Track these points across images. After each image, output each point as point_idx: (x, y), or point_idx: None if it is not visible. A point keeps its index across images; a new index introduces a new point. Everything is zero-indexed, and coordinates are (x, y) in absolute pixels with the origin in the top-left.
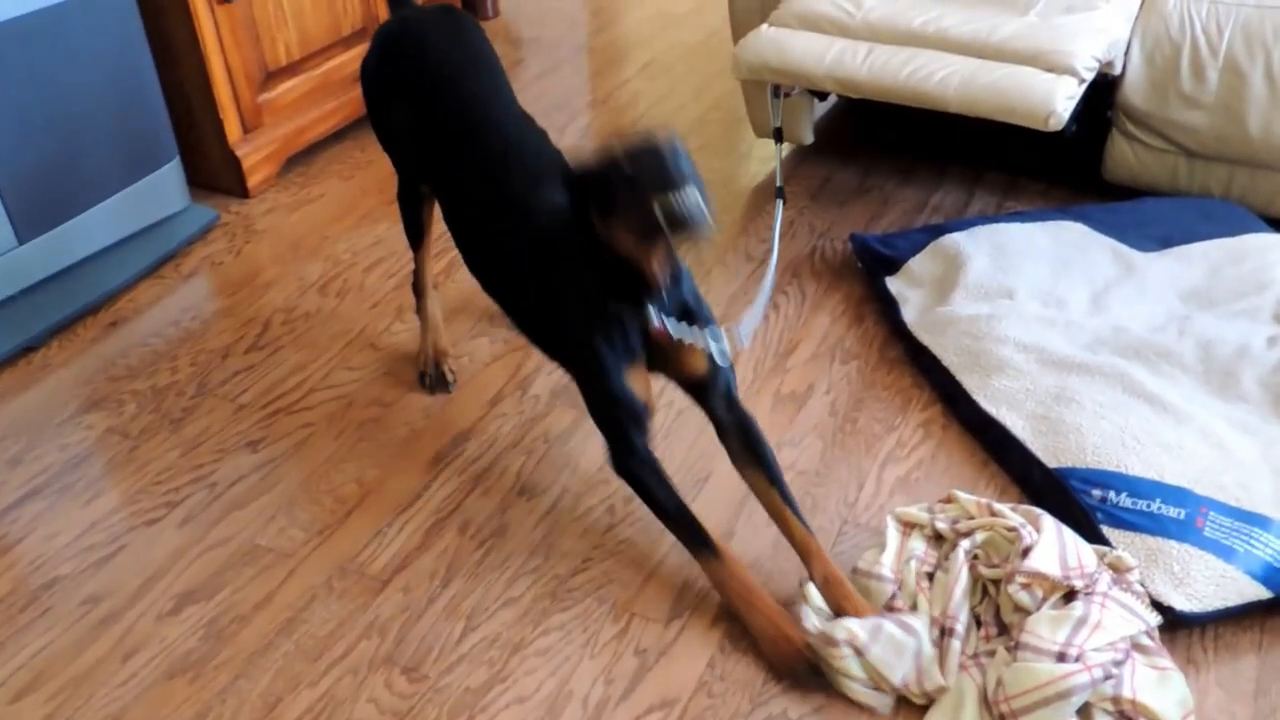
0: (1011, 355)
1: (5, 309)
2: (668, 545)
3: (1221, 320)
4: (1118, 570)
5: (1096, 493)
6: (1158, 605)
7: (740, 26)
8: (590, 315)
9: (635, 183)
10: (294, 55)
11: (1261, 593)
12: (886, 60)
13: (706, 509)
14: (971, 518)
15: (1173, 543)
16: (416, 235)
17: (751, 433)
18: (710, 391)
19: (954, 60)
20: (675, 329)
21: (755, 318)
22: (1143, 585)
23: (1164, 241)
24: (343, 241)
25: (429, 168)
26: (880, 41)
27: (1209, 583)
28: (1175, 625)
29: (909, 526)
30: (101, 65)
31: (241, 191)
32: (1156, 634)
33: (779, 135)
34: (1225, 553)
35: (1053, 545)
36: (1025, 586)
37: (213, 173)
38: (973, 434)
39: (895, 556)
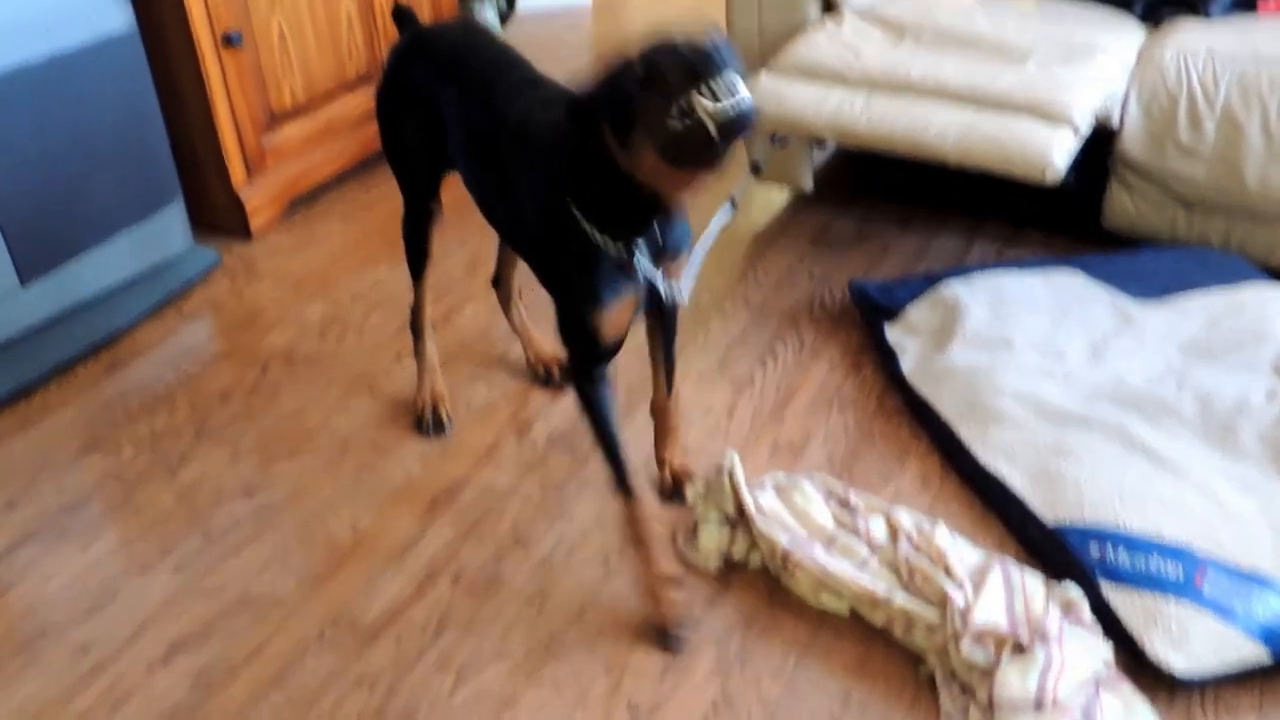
0: (1009, 407)
1: (5, 350)
2: None
3: (1220, 373)
4: (1067, 609)
5: (1094, 549)
6: (1155, 669)
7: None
8: (583, 254)
9: (659, 83)
10: (299, 99)
11: (1262, 655)
12: (884, 111)
13: None
14: (918, 549)
15: (1171, 602)
16: (419, 262)
17: (672, 320)
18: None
19: (952, 111)
20: (644, 269)
21: (690, 279)
22: (1093, 618)
23: (1163, 291)
24: (344, 284)
25: (454, 145)
26: (879, 91)
27: (1208, 643)
28: (1175, 686)
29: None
30: (108, 109)
31: (244, 233)
32: (1113, 661)
33: (756, 167)
34: (1225, 613)
35: (999, 596)
36: (979, 640)
37: (216, 214)
38: (971, 486)
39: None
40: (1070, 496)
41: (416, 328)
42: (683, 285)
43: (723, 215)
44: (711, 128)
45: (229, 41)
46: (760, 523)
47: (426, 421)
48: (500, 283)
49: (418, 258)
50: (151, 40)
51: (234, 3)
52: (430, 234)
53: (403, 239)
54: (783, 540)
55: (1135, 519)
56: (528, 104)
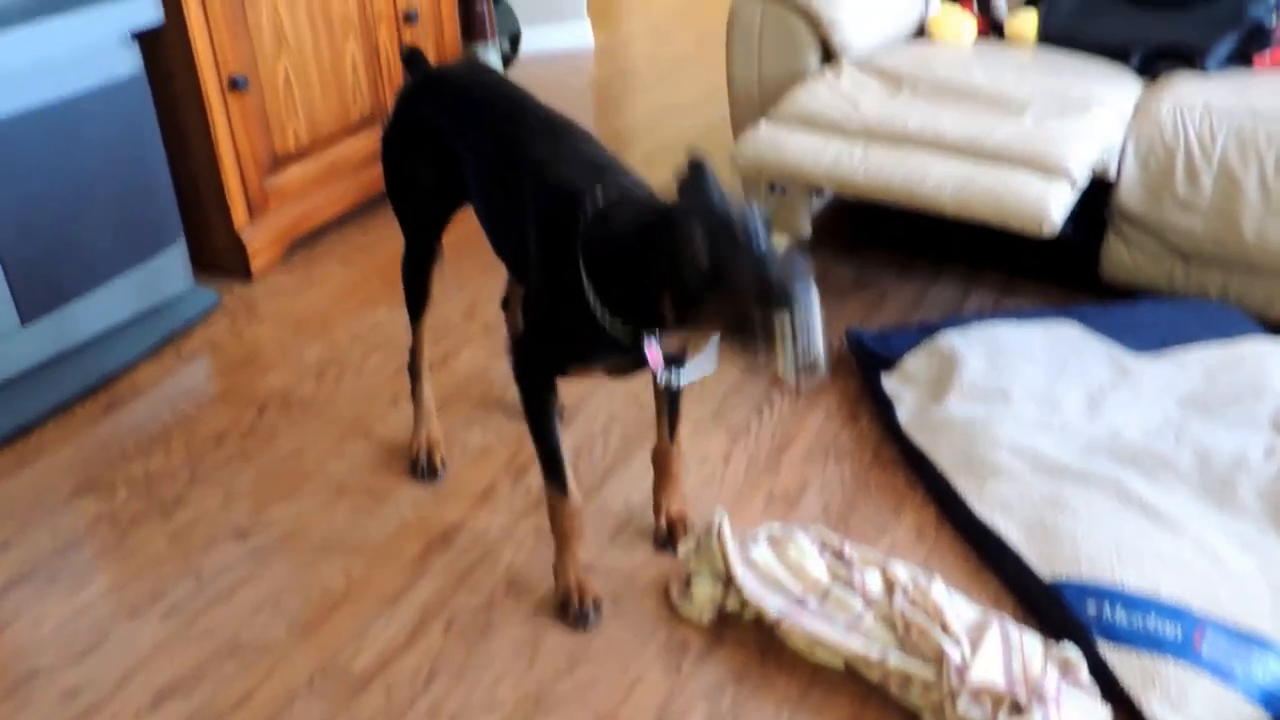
0: (1006, 460)
1: (5, 390)
2: (655, 649)
3: (1218, 427)
4: (1065, 669)
5: (1092, 606)
6: None
7: (739, 121)
8: (585, 324)
9: (733, 295)
10: (302, 142)
11: (1262, 718)
12: (882, 162)
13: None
14: (914, 604)
15: (1170, 662)
16: (419, 304)
17: (677, 399)
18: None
19: (949, 163)
20: (651, 357)
21: (701, 370)
22: (1091, 680)
23: (1160, 344)
24: (342, 326)
25: (469, 175)
26: (876, 141)
27: (1207, 706)
28: None
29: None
30: (113, 153)
31: (245, 274)
32: None
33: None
34: (1224, 675)
35: (996, 654)
36: (975, 698)
37: (217, 255)
38: (967, 538)
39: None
40: (1067, 551)
41: (414, 370)
42: (685, 371)
43: None
44: (782, 364)
45: (235, 85)
46: (750, 589)
47: (421, 466)
48: (509, 306)
49: (417, 299)
50: (159, 84)
51: (241, 48)
52: (431, 275)
53: (403, 280)
54: (771, 609)
55: (1133, 576)
56: (546, 148)
